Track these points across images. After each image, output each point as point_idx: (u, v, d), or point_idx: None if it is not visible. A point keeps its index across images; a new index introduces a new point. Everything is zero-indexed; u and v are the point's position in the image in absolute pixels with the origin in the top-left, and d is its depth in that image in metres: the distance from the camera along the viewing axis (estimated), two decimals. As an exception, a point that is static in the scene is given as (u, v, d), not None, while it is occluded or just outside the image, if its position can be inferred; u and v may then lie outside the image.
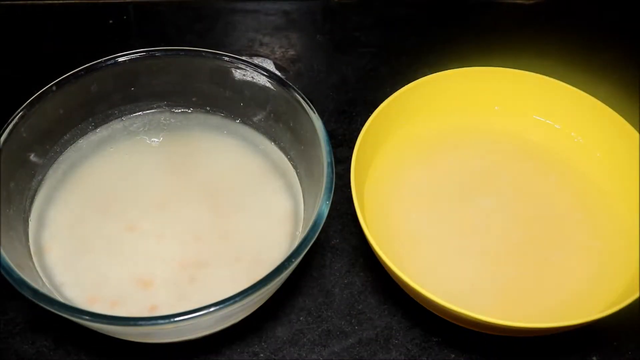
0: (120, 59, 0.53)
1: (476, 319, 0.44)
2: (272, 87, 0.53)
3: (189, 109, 0.58)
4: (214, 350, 0.51)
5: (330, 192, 0.46)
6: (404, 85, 0.57)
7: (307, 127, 0.50)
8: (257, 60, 0.71)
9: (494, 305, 0.49)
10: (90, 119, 0.55)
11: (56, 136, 0.54)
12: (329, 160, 0.47)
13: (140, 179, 0.54)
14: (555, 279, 0.50)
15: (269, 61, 0.72)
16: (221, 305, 0.40)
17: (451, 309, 0.44)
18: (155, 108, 0.57)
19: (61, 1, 0.77)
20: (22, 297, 0.41)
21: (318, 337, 0.52)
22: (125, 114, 0.57)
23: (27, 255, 0.48)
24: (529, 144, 0.59)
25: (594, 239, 0.53)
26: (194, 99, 0.57)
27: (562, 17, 0.80)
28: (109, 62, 0.53)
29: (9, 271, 0.42)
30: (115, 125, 0.57)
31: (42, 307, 0.41)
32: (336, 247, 0.57)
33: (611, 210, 0.55)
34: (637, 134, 0.54)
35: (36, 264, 0.48)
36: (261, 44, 0.74)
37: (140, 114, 0.57)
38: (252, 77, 0.54)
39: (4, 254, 0.42)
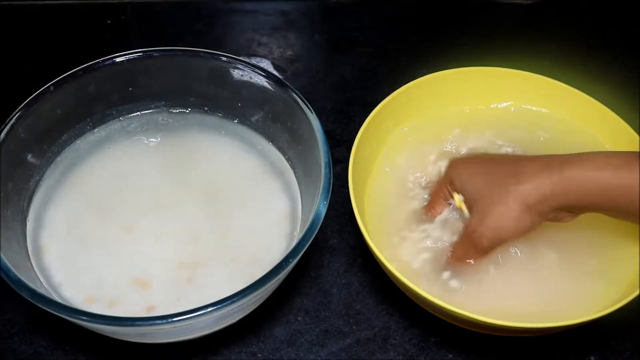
0: (118, 59, 0.53)
1: (475, 319, 0.44)
2: (270, 87, 0.53)
3: (186, 109, 0.58)
4: (212, 350, 0.50)
5: (328, 192, 0.46)
6: (402, 85, 0.57)
7: (305, 127, 0.50)
8: (255, 61, 0.71)
9: (493, 305, 0.49)
10: (88, 119, 0.55)
11: (54, 136, 0.54)
12: (327, 160, 0.47)
13: (138, 180, 0.54)
14: (555, 279, 0.50)
15: (267, 61, 0.72)
16: (219, 306, 0.40)
17: (449, 309, 0.44)
18: (153, 108, 0.57)
19: (60, 1, 0.77)
20: (20, 297, 0.41)
21: (316, 337, 0.52)
22: (123, 114, 0.57)
23: (25, 256, 0.48)
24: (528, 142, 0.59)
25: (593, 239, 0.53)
26: (191, 99, 0.57)
27: (562, 17, 0.80)
28: (107, 62, 0.53)
29: (7, 271, 0.42)
30: (113, 126, 0.57)
31: (40, 308, 0.41)
32: (334, 247, 0.57)
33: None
34: (637, 135, 0.54)
35: (34, 264, 0.48)
36: (259, 44, 0.74)
37: (138, 114, 0.57)
38: (250, 77, 0.54)
39: (1, 255, 0.42)
